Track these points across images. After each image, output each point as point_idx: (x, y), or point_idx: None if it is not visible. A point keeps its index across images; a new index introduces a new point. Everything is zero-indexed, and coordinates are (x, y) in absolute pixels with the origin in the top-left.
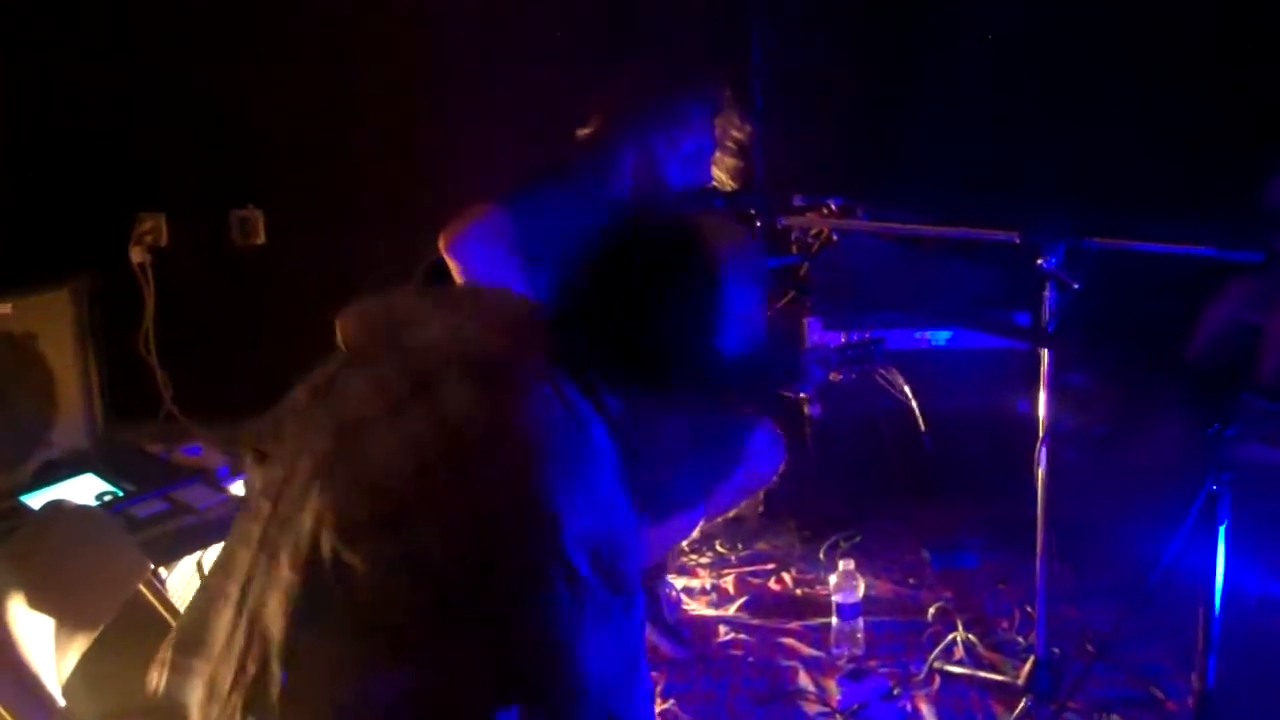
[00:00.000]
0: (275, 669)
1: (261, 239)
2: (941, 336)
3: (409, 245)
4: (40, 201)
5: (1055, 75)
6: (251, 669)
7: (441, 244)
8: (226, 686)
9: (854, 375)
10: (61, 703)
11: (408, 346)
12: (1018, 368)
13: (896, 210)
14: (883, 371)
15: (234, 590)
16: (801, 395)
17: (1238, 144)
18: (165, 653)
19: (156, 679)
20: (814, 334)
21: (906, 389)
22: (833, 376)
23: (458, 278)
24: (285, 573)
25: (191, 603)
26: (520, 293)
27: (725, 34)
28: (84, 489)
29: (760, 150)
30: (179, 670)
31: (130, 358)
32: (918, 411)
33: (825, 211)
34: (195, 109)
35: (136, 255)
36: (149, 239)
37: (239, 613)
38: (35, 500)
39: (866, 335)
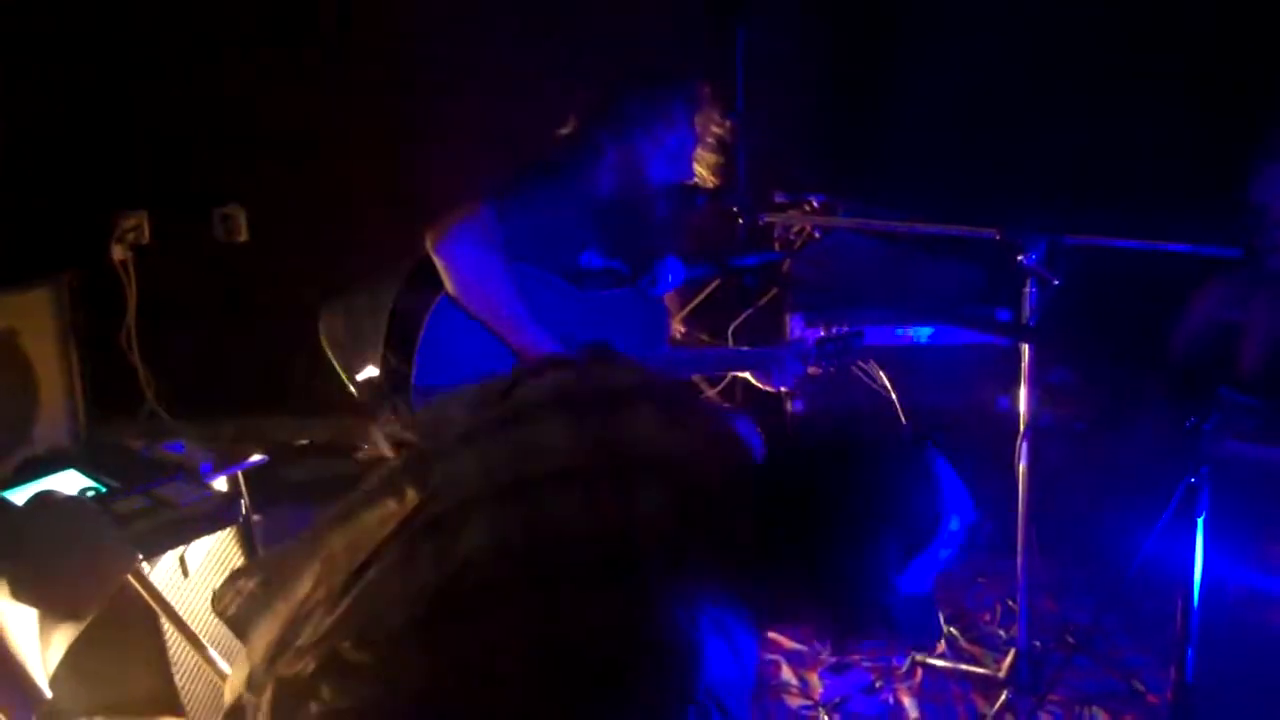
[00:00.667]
0: (361, 653)
1: (244, 236)
2: (923, 333)
3: (391, 242)
4: (22, 199)
5: (1036, 70)
6: (335, 639)
7: (428, 244)
8: (305, 642)
9: (832, 369)
10: (49, 694)
11: (612, 418)
12: (999, 364)
13: (878, 207)
14: (861, 365)
15: (345, 556)
16: (781, 390)
17: (1220, 137)
18: (247, 583)
19: (228, 603)
20: (796, 329)
21: (886, 381)
22: (811, 370)
23: (445, 278)
24: (423, 575)
25: (291, 545)
26: (734, 429)
27: (707, 31)
28: (66, 485)
29: (742, 147)
30: (256, 602)
31: (113, 355)
32: (897, 403)
33: (807, 208)
34: (178, 106)
35: (118, 253)
36: (131, 237)
37: (349, 583)
38: (18, 496)
39: (845, 329)
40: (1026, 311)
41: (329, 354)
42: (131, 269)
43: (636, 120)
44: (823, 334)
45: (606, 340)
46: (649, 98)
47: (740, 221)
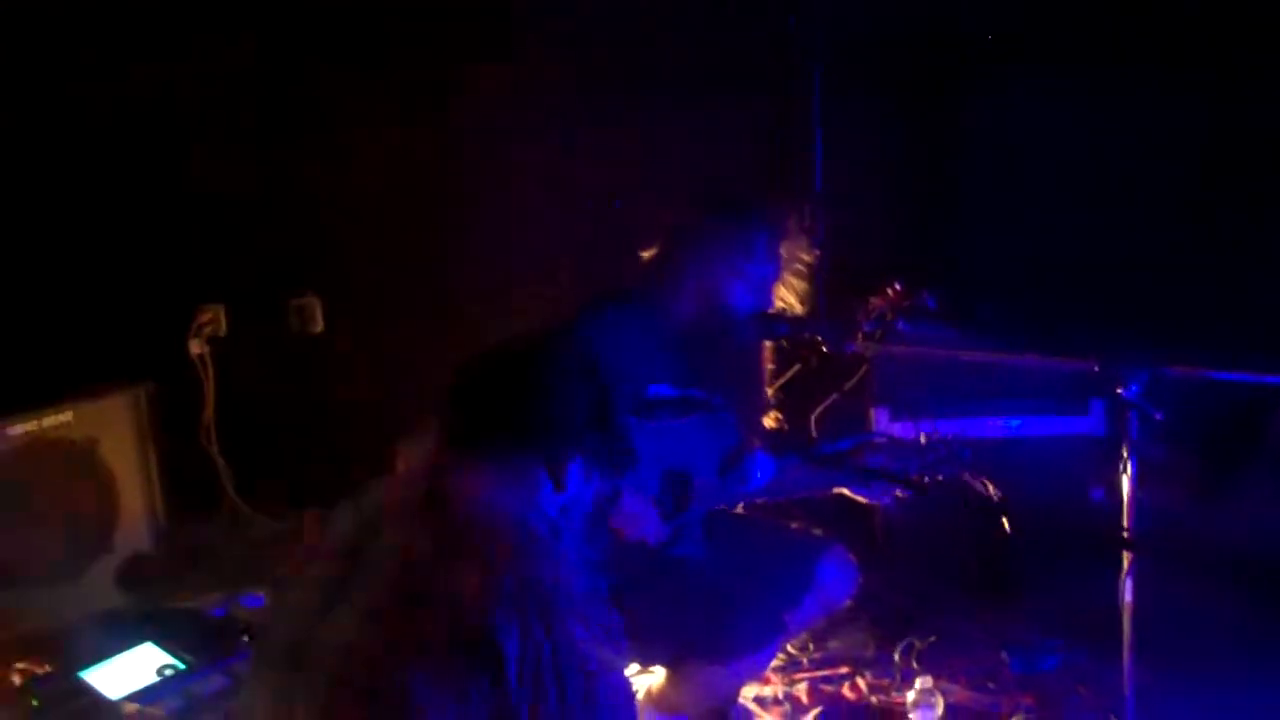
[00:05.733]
0: None
1: (320, 327)
2: (1012, 422)
3: (465, 332)
4: (99, 298)
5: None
6: None
7: None
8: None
9: (940, 481)
10: None
11: None
12: (1091, 453)
13: (969, 330)
14: (969, 476)
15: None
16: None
17: None
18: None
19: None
20: (881, 423)
21: (993, 491)
22: (916, 483)
23: None
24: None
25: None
26: None
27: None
28: (143, 661)
29: (822, 276)
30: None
31: (191, 449)
32: (1006, 516)
33: (890, 293)
34: (252, 199)
35: (195, 347)
36: (208, 330)
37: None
38: (95, 675)
39: (948, 436)
40: (1127, 444)
41: None
42: (209, 362)
43: (718, 248)
44: (923, 442)
45: (684, 469)
46: (731, 226)
47: (824, 350)
